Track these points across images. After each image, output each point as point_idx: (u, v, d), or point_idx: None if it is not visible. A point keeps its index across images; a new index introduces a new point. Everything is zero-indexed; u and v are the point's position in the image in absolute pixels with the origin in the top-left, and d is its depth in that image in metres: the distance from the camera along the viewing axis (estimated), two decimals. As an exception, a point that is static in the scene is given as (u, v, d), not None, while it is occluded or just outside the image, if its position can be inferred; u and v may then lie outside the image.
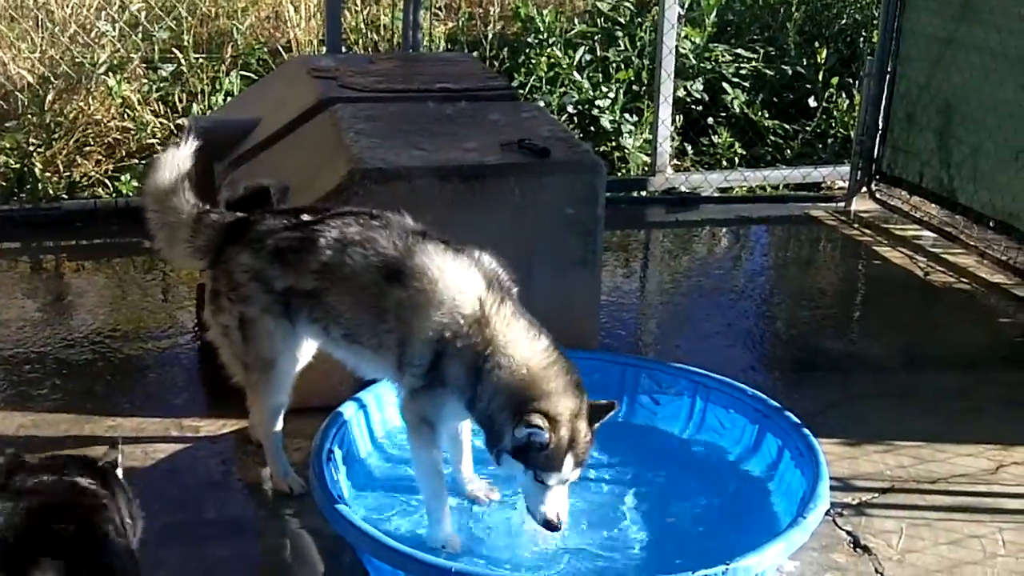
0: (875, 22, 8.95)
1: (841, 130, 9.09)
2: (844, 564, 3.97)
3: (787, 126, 9.07)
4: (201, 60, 8.64)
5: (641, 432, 4.64)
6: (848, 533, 4.15)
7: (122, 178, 7.69)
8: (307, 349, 4.19)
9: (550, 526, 3.64)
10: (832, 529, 4.15)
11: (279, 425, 4.23)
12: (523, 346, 3.65)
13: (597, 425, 3.67)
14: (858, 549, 4.07)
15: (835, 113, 9.18)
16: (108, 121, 8.09)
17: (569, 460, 3.59)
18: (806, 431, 4.17)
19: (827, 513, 3.89)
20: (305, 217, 4.05)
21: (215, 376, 5.10)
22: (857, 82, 9.08)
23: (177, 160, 4.21)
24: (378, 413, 4.41)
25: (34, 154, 7.72)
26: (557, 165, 4.96)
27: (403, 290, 3.77)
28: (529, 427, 3.49)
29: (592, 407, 3.66)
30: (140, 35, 8.58)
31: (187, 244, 4.20)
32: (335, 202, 4.65)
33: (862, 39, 9.82)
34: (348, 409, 4.27)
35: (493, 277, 3.80)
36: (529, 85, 8.86)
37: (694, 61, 9.21)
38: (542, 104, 7.88)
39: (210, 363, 5.27)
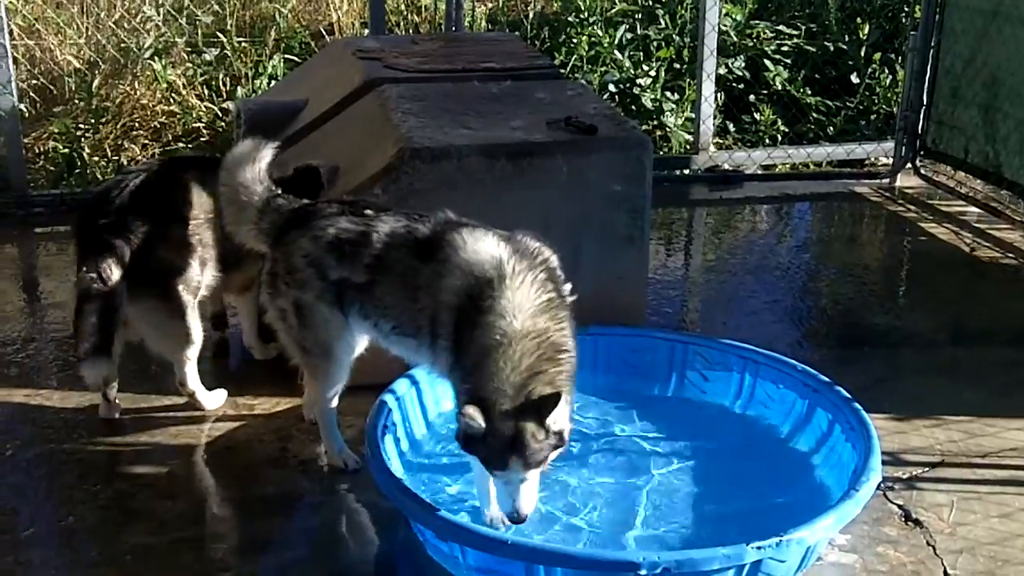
0: (918, -4, 8.90)
1: (884, 106, 9.06)
2: (896, 537, 3.98)
3: (830, 103, 9.03)
4: (244, 44, 8.72)
5: (691, 407, 4.67)
6: (899, 507, 4.16)
7: (169, 161, 7.76)
8: (362, 338, 4.22)
9: (511, 519, 3.57)
10: (883, 503, 4.16)
11: (335, 403, 4.29)
12: (517, 318, 3.58)
13: (553, 422, 3.45)
14: (909, 522, 4.07)
15: (878, 89, 9.14)
16: (154, 105, 8.19)
17: (515, 461, 3.46)
18: (856, 405, 4.17)
19: (878, 487, 3.90)
20: (368, 212, 4.09)
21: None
22: (900, 57, 9.04)
23: (260, 151, 4.34)
24: (430, 390, 4.46)
25: (82, 139, 7.83)
26: (604, 142, 4.98)
27: (432, 264, 3.82)
28: (463, 417, 3.44)
29: (537, 402, 3.47)
30: (184, 19, 8.65)
31: (252, 226, 4.26)
32: (384, 181, 4.71)
33: (904, 14, 9.75)
34: (401, 386, 4.33)
35: (523, 249, 3.79)
36: (570, 64, 8.87)
37: (735, 38, 9.19)
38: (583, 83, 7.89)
39: (263, 342, 5.37)
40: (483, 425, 3.44)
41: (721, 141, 8.62)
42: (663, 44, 9.14)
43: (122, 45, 8.32)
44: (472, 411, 3.43)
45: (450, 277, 3.74)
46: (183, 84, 8.32)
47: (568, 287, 3.81)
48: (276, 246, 4.19)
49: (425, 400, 4.45)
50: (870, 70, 9.13)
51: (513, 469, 3.47)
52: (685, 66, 9.01)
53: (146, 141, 7.99)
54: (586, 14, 9.24)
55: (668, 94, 8.80)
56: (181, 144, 8.01)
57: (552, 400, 3.46)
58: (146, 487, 4.25)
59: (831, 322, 5.94)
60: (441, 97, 5.51)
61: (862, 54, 9.25)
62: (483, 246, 3.76)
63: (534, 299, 3.64)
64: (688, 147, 8.33)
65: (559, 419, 3.48)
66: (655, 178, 5.17)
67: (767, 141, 8.65)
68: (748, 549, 3.32)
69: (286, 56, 8.71)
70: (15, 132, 7.18)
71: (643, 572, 3.24)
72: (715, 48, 8.01)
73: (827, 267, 6.72)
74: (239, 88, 8.40)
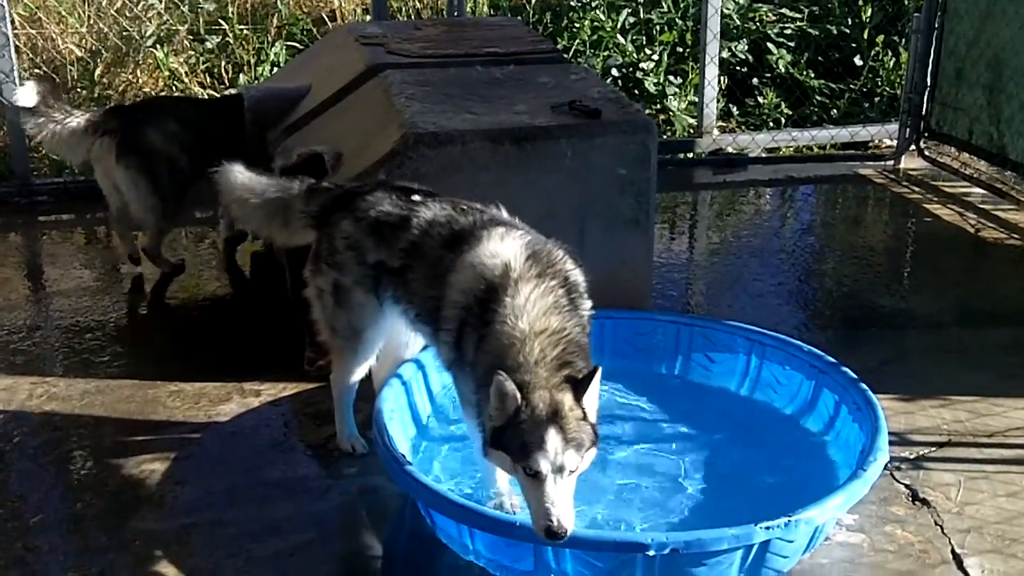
0: (921, -22, 8.87)
1: (888, 88, 9.05)
2: (903, 516, 3.98)
3: (833, 85, 9.02)
4: (246, 31, 8.70)
5: (697, 389, 4.67)
6: (906, 487, 4.16)
7: (172, 149, 7.76)
8: (392, 326, 4.20)
9: (549, 533, 3.15)
10: (890, 483, 4.16)
11: (355, 386, 4.30)
12: (525, 318, 3.46)
13: (589, 404, 3.32)
14: (917, 502, 4.08)
15: (881, 71, 9.13)
16: (157, 93, 8.17)
17: (553, 435, 3.19)
18: (863, 386, 4.17)
19: (885, 467, 3.89)
20: (416, 198, 4.06)
21: (274, 341, 5.21)
22: (903, 39, 9.02)
23: (236, 170, 4.38)
24: (436, 374, 4.46)
25: (86, 127, 7.82)
26: (609, 126, 4.97)
27: (451, 255, 3.77)
28: (494, 383, 3.23)
29: (572, 379, 3.33)
30: (186, 7, 8.64)
31: (302, 214, 4.26)
32: (389, 166, 4.70)
33: (907, -4, 9.75)
34: (407, 370, 4.33)
35: (542, 257, 3.66)
36: (573, 49, 8.85)
37: (738, 21, 9.18)
38: (587, 67, 7.88)
39: (268, 328, 5.38)
40: (515, 392, 3.24)
41: (725, 124, 8.61)
42: (666, 28, 9.13)
43: (124, 33, 8.32)
44: (504, 375, 3.23)
45: (459, 273, 3.70)
46: (185, 72, 8.32)
47: (588, 304, 3.68)
48: (322, 227, 4.20)
49: (431, 384, 4.46)
50: (873, 52, 9.11)
51: (551, 448, 3.19)
52: (688, 50, 9.00)
53: (149, 129, 7.97)
54: (588, -2, 9.23)
55: (671, 78, 8.80)
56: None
57: (588, 377, 3.32)
58: (154, 473, 4.26)
59: (836, 304, 5.94)
60: (444, 82, 5.51)
61: (865, 36, 9.23)
62: (501, 248, 3.68)
63: (540, 302, 3.52)
64: (692, 131, 8.32)
65: (592, 404, 3.34)
66: (659, 162, 5.16)
67: (771, 124, 8.64)
68: (757, 529, 3.32)
69: (288, 43, 8.71)
70: (18, 121, 7.18)
71: (652, 552, 3.25)
72: (718, 31, 7.99)
73: (832, 249, 6.72)
74: (241, 75, 8.40)
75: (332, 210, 4.17)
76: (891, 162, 8.10)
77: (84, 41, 8.34)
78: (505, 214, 3.97)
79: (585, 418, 3.31)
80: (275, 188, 4.36)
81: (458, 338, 3.68)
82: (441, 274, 3.78)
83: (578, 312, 3.61)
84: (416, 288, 3.91)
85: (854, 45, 9.25)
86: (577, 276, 3.72)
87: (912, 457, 4.36)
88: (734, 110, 8.78)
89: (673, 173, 7.81)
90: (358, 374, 4.26)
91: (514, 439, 3.25)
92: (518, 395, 3.25)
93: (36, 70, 8.16)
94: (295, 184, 4.33)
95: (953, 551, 3.80)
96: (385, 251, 3.99)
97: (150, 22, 8.43)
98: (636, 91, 8.67)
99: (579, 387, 3.32)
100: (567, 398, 3.29)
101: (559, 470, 3.21)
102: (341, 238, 4.09)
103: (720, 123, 8.45)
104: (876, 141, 8.44)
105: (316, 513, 4.06)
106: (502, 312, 3.50)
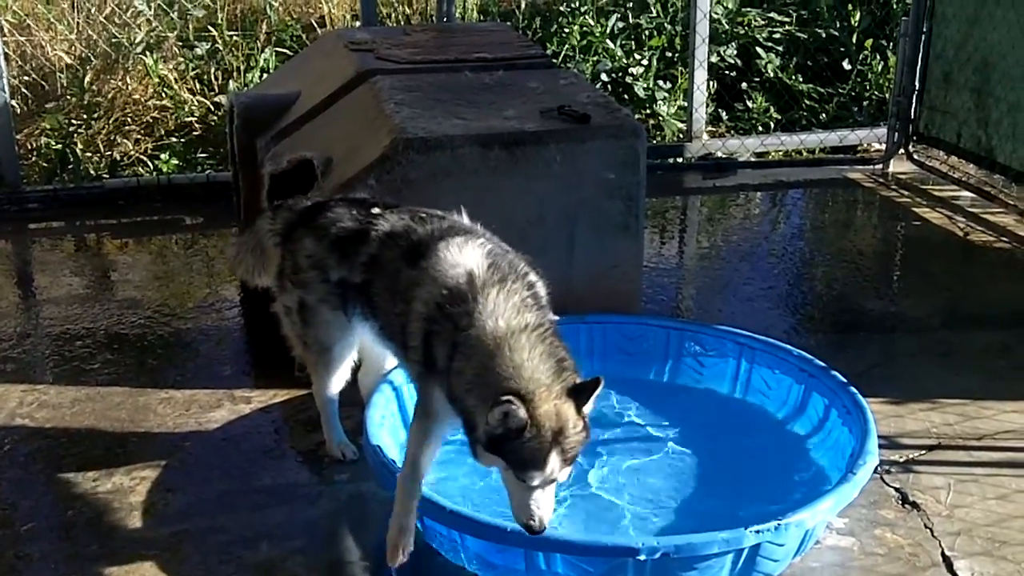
0: (909, -18, 8.90)
1: (876, 92, 9.07)
2: (893, 520, 4.00)
3: (822, 89, 9.03)
4: (236, 38, 8.68)
5: (687, 394, 4.68)
6: (896, 490, 4.17)
7: (162, 156, 7.77)
8: (364, 337, 4.17)
9: (530, 530, 3.24)
10: (880, 486, 4.17)
11: (336, 395, 4.29)
12: (500, 319, 3.37)
13: (588, 410, 3.27)
14: (907, 505, 4.09)
15: (870, 75, 9.15)
16: (146, 100, 8.17)
17: (554, 458, 3.17)
18: (853, 389, 4.18)
19: (875, 471, 3.90)
20: (375, 211, 4.03)
21: (264, 348, 5.20)
22: (891, 43, 9.04)
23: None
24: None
25: (75, 134, 7.82)
26: (598, 130, 4.97)
27: (414, 270, 3.68)
28: (502, 406, 3.12)
29: (576, 388, 3.26)
30: (175, 14, 8.63)
31: (269, 233, 4.29)
32: (378, 172, 4.70)
33: (895, 0, 9.77)
34: (398, 376, 4.33)
35: (504, 264, 3.59)
36: (562, 54, 8.86)
37: (727, 26, 9.19)
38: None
39: (258, 335, 5.38)
40: (525, 417, 3.14)
41: (714, 129, 8.63)
42: (655, 33, 9.13)
43: (113, 40, 8.29)
44: (515, 400, 3.12)
45: (423, 286, 3.60)
46: (175, 78, 8.30)
47: (552, 316, 3.56)
48: (285, 243, 4.20)
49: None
50: (862, 56, 9.13)
51: (550, 468, 3.18)
52: (677, 55, 9.00)
53: (138, 136, 7.97)
54: (577, 3, 9.22)
55: (660, 83, 8.80)
56: (174, 139, 7.99)
57: (592, 386, 3.25)
58: (144, 480, 4.25)
59: (826, 307, 5.95)
60: (434, 88, 5.51)
61: (854, 40, 9.25)
62: (461, 258, 3.59)
63: (510, 300, 3.44)
64: (681, 135, 8.34)
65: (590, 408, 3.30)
66: (648, 167, 5.15)
67: (760, 128, 8.66)
68: (747, 533, 3.34)
69: (277, 49, 8.69)
70: (7, 128, 7.20)
71: (642, 557, 3.26)
72: (707, 36, 8.01)
73: (821, 253, 6.73)
74: (231, 82, 8.39)
75: (295, 226, 4.17)
76: (880, 166, 8.12)
77: (73, 48, 8.31)
78: (466, 220, 3.90)
79: (584, 430, 3.26)
80: (251, 231, 4.46)
81: (426, 350, 3.58)
82: (403, 288, 3.70)
83: (548, 313, 3.55)
84: (380, 303, 3.87)
85: (842, 49, 9.27)
86: (540, 287, 3.63)
87: (902, 460, 4.37)
88: (723, 115, 8.79)
89: (663, 178, 7.83)
90: (336, 385, 4.26)
91: (513, 453, 3.19)
92: (526, 417, 3.15)
93: (25, 77, 8.15)
94: (264, 214, 4.42)
95: (943, 554, 3.81)
96: (347, 267, 3.97)
97: (139, 29, 8.40)
98: (625, 96, 8.67)
99: (582, 398, 3.25)
100: (571, 412, 3.22)
101: (550, 482, 3.23)
102: (304, 256, 4.09)
103: (709, 128, 8.47)
104: (865, 145, 8.46)
105: (307, 519, 4.06)
106: (475, 317, 3.40)
